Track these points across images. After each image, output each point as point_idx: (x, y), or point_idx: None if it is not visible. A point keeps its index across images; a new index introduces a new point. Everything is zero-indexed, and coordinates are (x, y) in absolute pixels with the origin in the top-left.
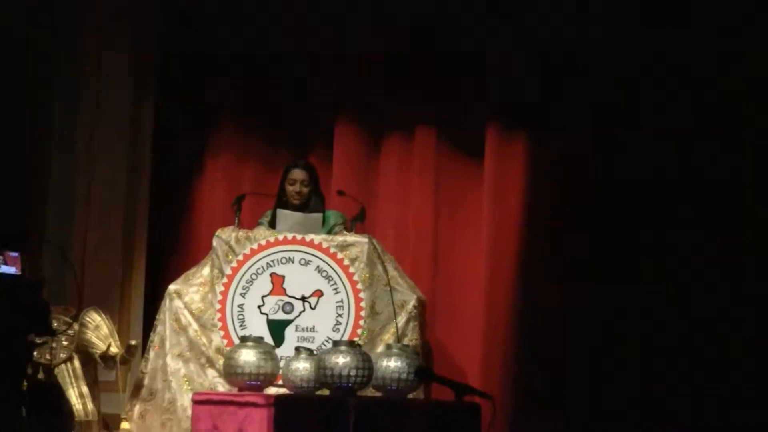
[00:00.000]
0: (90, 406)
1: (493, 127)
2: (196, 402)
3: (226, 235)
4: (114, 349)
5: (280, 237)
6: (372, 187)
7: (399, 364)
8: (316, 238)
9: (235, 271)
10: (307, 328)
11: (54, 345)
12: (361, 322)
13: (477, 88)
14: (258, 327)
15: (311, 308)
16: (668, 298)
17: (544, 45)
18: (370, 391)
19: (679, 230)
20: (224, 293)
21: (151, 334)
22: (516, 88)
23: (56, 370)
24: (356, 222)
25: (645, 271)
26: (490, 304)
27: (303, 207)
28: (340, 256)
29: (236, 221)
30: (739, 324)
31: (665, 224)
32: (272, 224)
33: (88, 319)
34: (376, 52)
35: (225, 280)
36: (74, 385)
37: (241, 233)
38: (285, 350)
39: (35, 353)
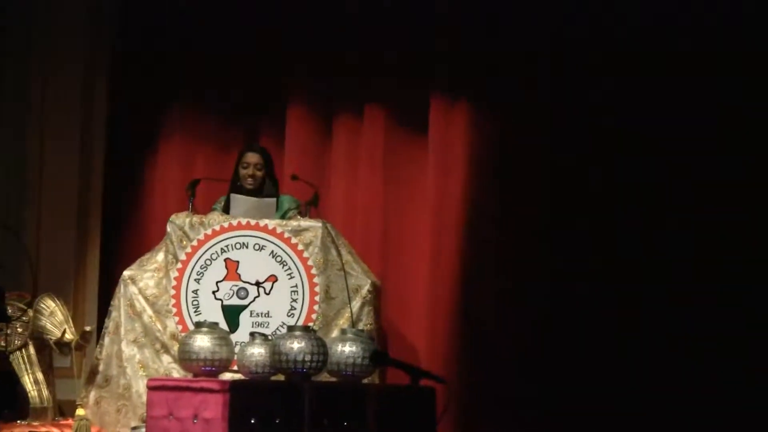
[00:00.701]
0: (45, 392)
1: (436, 100)
2: (151, 388)
3: (180, 220)
4: (69, 336)
5: (234, 222)
6: (325, 170)
7: (354, 349)
8: (270, 223)
9: (189, 256)
10: (261, 313)
11: (9, 331)
12: (316, 307)
13: (422, 62)
14: (213, 313)
15: (266, 293)
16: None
17: (492, 18)
18: (325, 377)
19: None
20: (179, 279)
21: (106, 320)
22: (460, 60)
23: (11, 357)
24: (310, 206)
25: (596, 245)
26: (434, 279)
27: (257, 191)
28: (294, 240)
29: (190, 206)
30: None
31: (617, 198)
32: (226, 209)
33: (42, 305)
34: (323, 32)
35: (179, 265)
36: (29, 371)
37: (195, 219)
38: (240, 336)
39: None
